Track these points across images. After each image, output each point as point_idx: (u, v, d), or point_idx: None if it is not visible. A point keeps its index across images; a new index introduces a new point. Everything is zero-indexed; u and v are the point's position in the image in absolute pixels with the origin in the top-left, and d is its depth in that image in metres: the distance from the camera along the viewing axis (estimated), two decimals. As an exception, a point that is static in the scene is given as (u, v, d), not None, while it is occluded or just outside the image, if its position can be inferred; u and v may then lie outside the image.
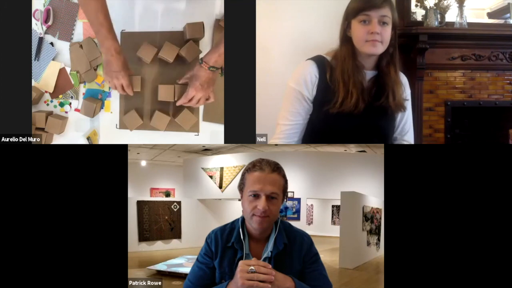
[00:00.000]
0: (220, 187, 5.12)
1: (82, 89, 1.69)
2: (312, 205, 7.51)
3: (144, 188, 6.86)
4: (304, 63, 1.52)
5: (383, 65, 1.51)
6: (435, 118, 2.82)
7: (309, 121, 1.54)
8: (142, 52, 1.59)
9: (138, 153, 5.98)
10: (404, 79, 1.61)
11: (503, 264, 1.31)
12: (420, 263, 1.33)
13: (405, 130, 1.63)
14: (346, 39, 1.49)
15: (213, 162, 5.27)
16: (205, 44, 1.66)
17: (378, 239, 4.57)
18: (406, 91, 1.60)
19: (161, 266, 3.29)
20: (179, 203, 4.99)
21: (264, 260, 0.99)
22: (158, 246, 4.70)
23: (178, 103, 1.57)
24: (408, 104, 1.61)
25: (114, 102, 1.69)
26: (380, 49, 1.44)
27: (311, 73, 1.49)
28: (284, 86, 1.54)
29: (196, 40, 1.64)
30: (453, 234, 1.33)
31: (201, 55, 1.59)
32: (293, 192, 5.10)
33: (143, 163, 6.81)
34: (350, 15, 1.47)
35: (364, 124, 1.50)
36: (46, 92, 1.68)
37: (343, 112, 1.45)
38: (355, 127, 1.49)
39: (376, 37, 1.41)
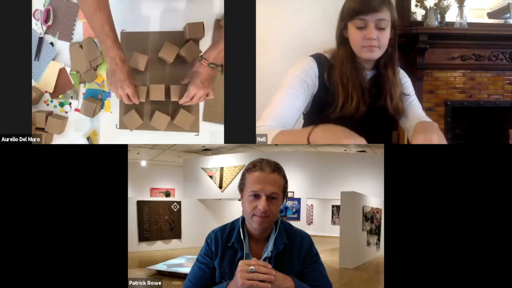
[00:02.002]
0: (220, 187, 5.12)
1: (82, 89, 1.69)
2: (312, 205, 7.51)
3: (144, 188, 6.86)
4: (305, 59, 1.47)
5: (380, 66, 1.48)
6: (435, 118, 2.81)
7: (309, 125, 1.51)
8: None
9: (138, 153, 5.99)
10: (402, 74, 1.58)
11: (503, 264, 1.31)
12: (420, 263, 1.33)
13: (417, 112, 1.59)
14: (343, 40, 1.45)
15: (213, 162, 5.27)
16: (205, 44, 1.66)
17: (378, 239, 4.57)
18: (404, 81, 1.58)
19: (161, 266, 3.29)
20: (179, 203, 4.99)
21: (264, 260, 0.99)
22: (158, 246, 4.70)
23: (180, 102, 1.56)
24: (411, 90, 1.60)
25: (114, 102, 1.69)
26: (377, 54, 1.41)
27: (313, 68, 1.44)
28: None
29: (196, 40, 1.64)
30: (453, 234, 1.33)
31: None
32: (293, 192, 5.10)
33: (143, 163, 6.82)
34: (346, 17, 1.41)
35: (366, 126, 1.48)
36: (46, 92, 1.68)
37: (344, 116, 1.41)
38: (357, 130, 1.43)
39: (373, 42, 1.36)
